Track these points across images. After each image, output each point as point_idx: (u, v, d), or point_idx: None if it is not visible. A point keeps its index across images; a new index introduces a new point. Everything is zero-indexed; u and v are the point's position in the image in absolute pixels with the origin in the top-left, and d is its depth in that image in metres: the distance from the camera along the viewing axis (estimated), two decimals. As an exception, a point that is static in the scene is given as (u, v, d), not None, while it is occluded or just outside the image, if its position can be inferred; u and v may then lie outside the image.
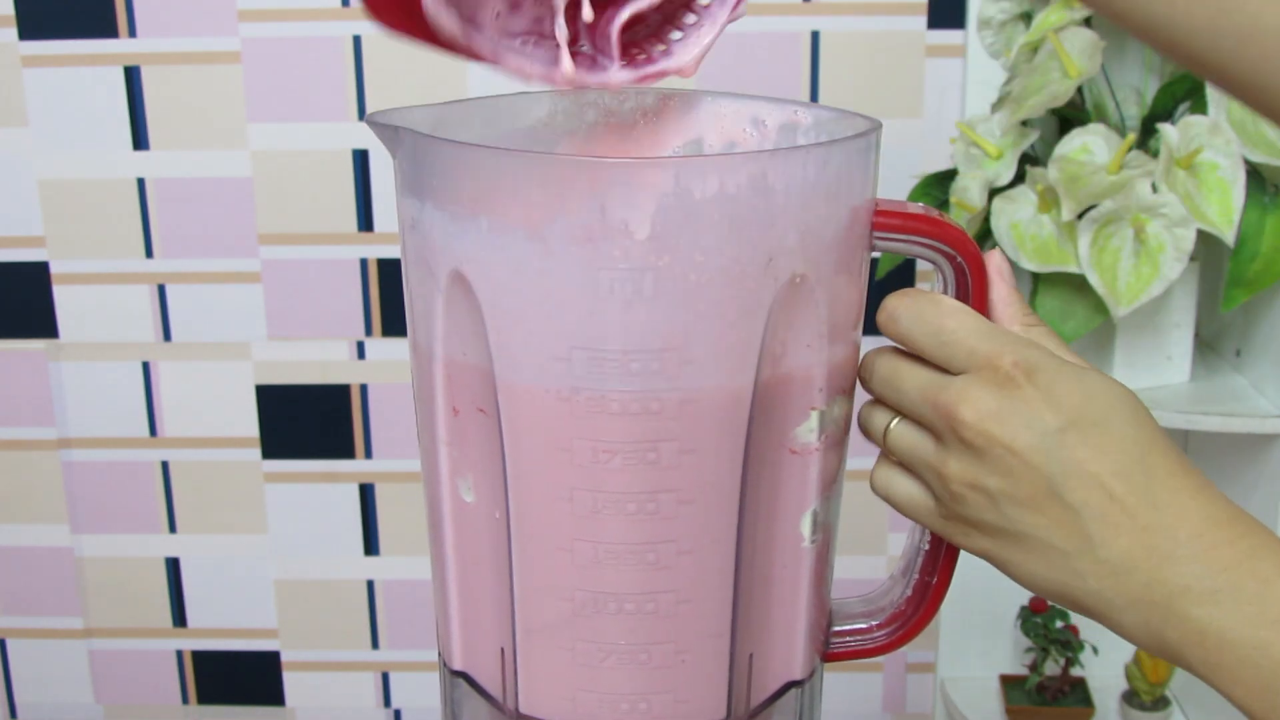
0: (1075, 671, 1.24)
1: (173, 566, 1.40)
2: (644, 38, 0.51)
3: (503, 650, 0.50)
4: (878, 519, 1.36)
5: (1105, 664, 1.27)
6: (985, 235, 1.04)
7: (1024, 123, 1.03)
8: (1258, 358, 1.07)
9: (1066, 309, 1.00)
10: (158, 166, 1.27)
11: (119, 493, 1.37)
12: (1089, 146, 0.98)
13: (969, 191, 1.03)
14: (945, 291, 0.49)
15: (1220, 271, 1.06)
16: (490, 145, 0.46)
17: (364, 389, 1.33)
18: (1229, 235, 0.95)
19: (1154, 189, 0.96)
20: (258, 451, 1.35)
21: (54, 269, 1.30)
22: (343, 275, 1.29)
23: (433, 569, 0.52)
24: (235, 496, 1.37)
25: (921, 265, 1.30)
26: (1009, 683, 1.25)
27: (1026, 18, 1.05)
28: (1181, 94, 1.01)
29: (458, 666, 0.52)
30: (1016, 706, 1.21)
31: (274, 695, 1.44)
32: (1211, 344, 1.16)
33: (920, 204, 0.48)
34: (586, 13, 0.46)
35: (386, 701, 1.44)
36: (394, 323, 1.31)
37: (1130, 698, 1.20)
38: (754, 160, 0.43)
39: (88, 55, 1.24)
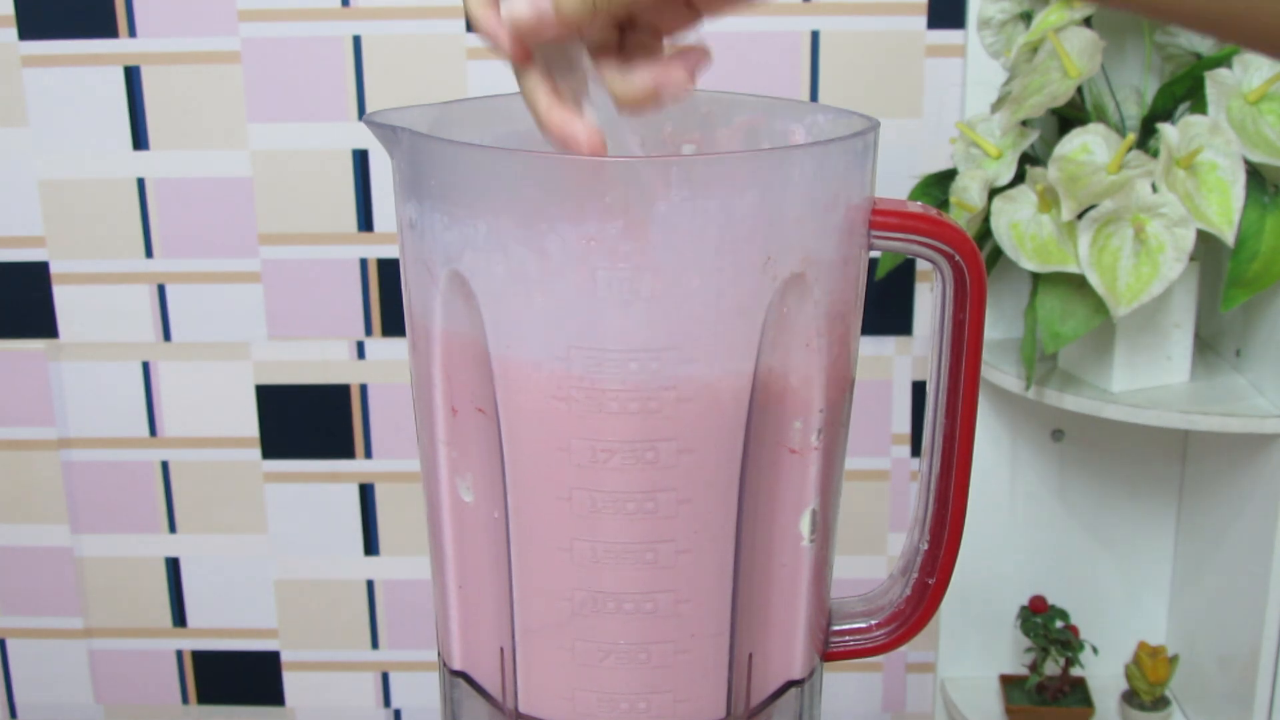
0: (1075, 671, 1.24)
1: (173, 566, 1.40)
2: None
3: (502, 650, 0.50)
4: (878, 519, 1.36)
5: (1105, 664, 1.27)
6: (985, 235, 1.04)
7: (1024, 123, 1.03)
8: (1258, 358, 1.07)
9: (1066, 309, 1.00)
10: (158, 166, 1.27)
11: (119, 493, 1.37)
12: (1089, 146, 0.98)
13: (969, 191, 1.03)
14: (944, 291, 0.49)
15: (1220, 271, 1.06)
16: (488, 145, 0.46)
17: (364, 389, 1.33)
18: (1229, 235, 0.95)
19: (1154, 189, 0.96)
20: (258, 451, 1.35)
21: (54, 269, 1.30)
22: (343, 275, 1.29)
23: (432, 569, 0.52)
24: (235, 496, 1.37)
25: (921, 265, 1.30)
26: (1009, 683, 1.25)
27: (1026, 18, 1.05)
28: (1181, 94, 1.01)
29: (457, 666, 0.52)
30: (1016, 706, 1.21)
31: (274, 695, 1.44)
32: (1211, 344, 1.16)
33: (919, 203, 0.48)
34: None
35: (386, 701, 1.44)
36: (394, 323, 1.31)
37: (1130, 698, 1.20)
38: (752, 159, 0.43)
39: (88, 55, 1.24)
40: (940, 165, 1.19)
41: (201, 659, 1.43)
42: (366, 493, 1.36)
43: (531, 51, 0.45)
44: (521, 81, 0.46)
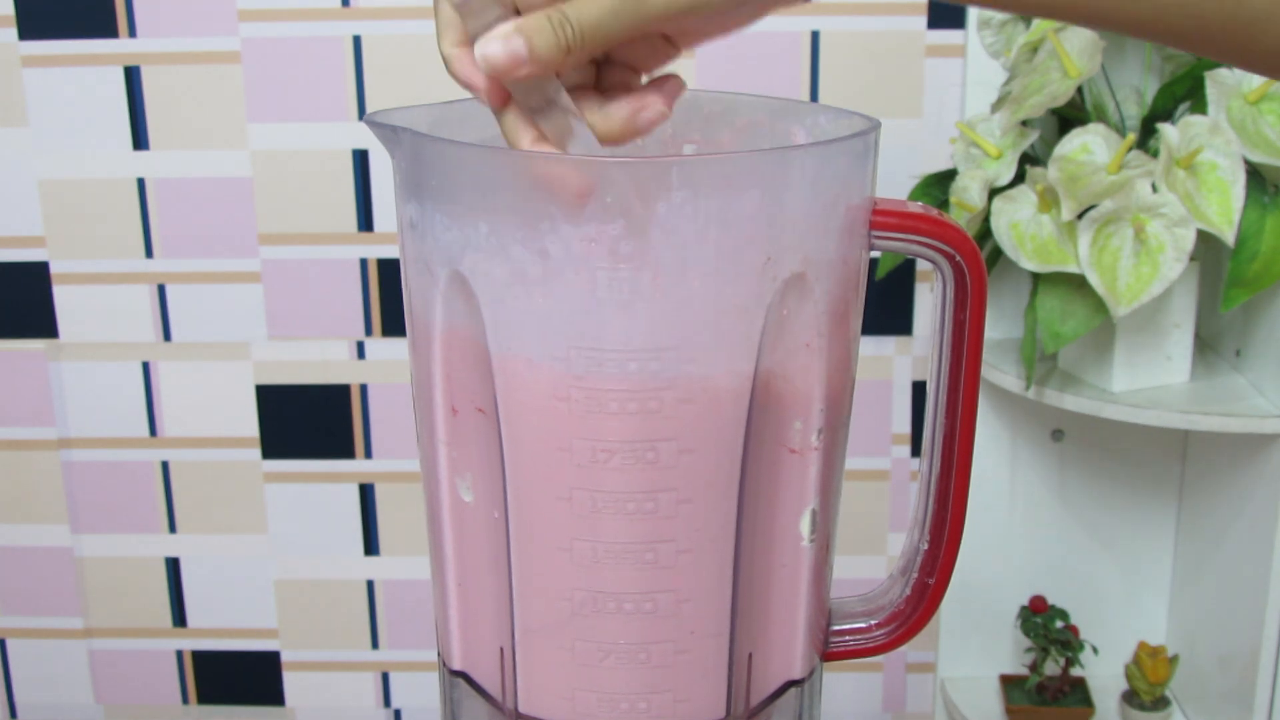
0: (1075, 671, 1.24)
1: (173, 566, 1.40)
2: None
3: (502, 650, 0.50)
4: (878, 519, 1.36)
5: (1105, 664, 1.27)
6: (985, 235, 1.04)
7: (1024, 123, 1.03)
8: (1258, 358, 1.07)
9: (1066, 309, 1.00)
10: (158, 166, 1.27)
11: (119, 493, 1.37)
12: (1089, 146, 0.98)
13: (969, 191, 1.03)
14: (945, 291, 0.49)
15: (1220, 271, 1.06)
16: (490, 145, 0.46)
17: (364, 389, 1.33)
18: (1229, 235, 0.95)
19: (1154, 189, 0.96)
20: (258, 451, 1.35)
21: (54, 269, 1.30)
22: (343, 275, 1.29)
23: (432, 569, 0.52)
24: (235, 496, 1.37)
25: (921, 265, 1.30)
26: (1009, 683, 1.25)
27: (1026, 18, 1.05)
28: (1181, 94, 1.01)
29: (457, 666, 0.52)
30: (1016, 706, 1.21)
31: (274, 695, 1.44)
32: (1211, 344, 1.16)
33: (919, 203, 0.48)
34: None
35: (386, 701, 1.44)
36: (394, 323, 1.31)
37: (1130, 698, 1.20)
38: (753, 159, 0.43)
39: (88, 55, 1.24)
40: (940, 165, 1.19)
41: (201, 659, 1.43)
42: (366, 493, 1.36)
43: (509, 93, 0.45)
44: (502, 124, 0.45)
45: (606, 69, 0.47)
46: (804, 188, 0.44)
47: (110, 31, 1.23)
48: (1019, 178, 1.03)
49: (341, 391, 1.33)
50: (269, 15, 1.23)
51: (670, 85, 0.47)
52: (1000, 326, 1.20)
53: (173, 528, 1.38)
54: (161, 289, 1.31)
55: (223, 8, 1.23)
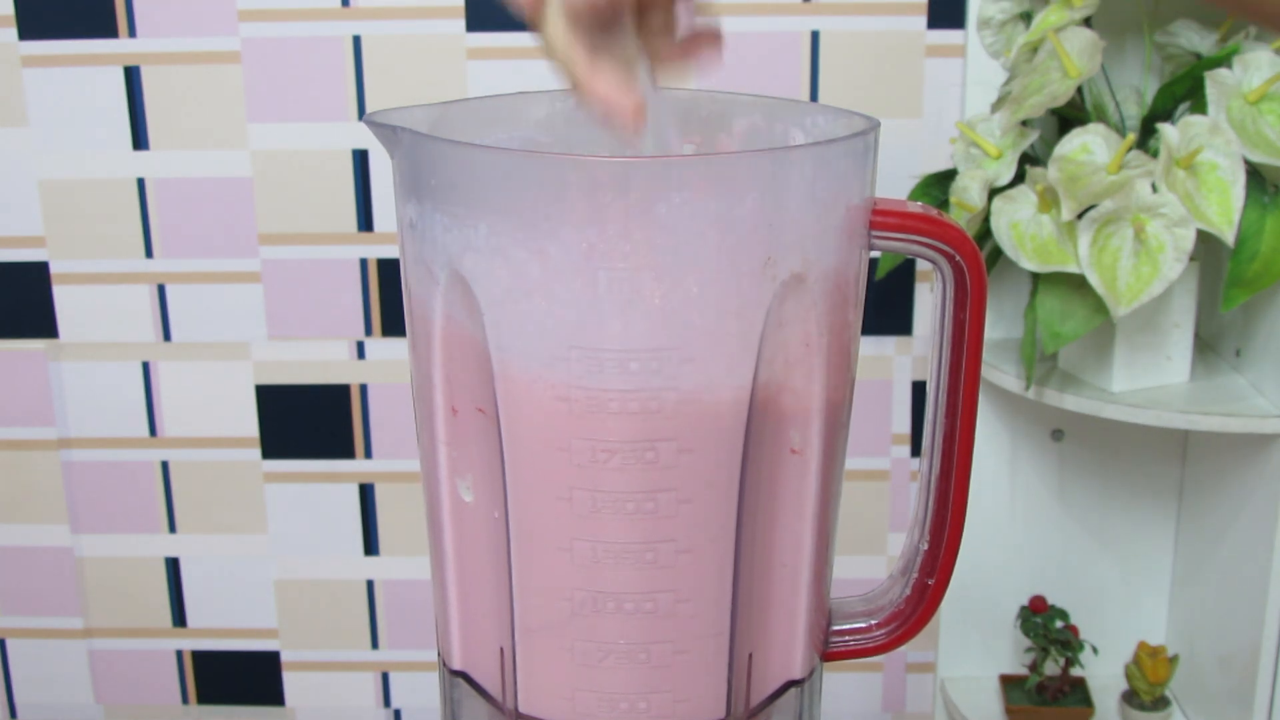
0: (1075, 671, 1.24)
1: (173, 566, 1.40)
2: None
3: (502, 650, 0.50)
4: (878, 519, 1.36)
5: (1105, 664, 1.27)
6: (985, 235, 1.04)
7: (1024, 123, 1.03)
8: (1258, 358, 1.07)
9: (1066, 309, 1.00)
10: (158, 166, 1.27)
11: (119, 493, 1.37)
12: (1089, 146, 0.98)
13: (969, 191, 1.03)
14: (944, 290, 0.49)
15: (1220, 271, 1.06)
16: (489, 145, 0.46)
17: (364, 389, 1.33)
18: (1229, 235, 0.95)
19: (1154, 189, 0.96)
20: (258, 451, 1.35)
21: (54, 269, 1.30)
22: (343, 275, 1.29)
23: (432, 569, 0.52)
24: (235, 496, 1.37)
25: (921, 265, 1.30)
26: (1009, 683, 1.25)
27: (1026, 17, 1.05)
28: (1181, 94, 1.01)
29: (457, 666, 0.52)
30: (1016, 706, 1.21)
31: (274, 695, 1.44)
32: (1211, 344, 1.16)
33: (919, 203, 0.48)
34: None
35: (386, 701, 1.44)
36: (394, 323, 1.31)
37: (1130, 698, 1.20)
38: (752, 159, 0.43)
39: (88, 55, 1.24)
40: (940, 165, 1.19)
41: (201, 659, 1.43)
42: (366, 493, 1.37)
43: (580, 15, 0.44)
44: (549, 37, 0.45)
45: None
46: (803, 188, 0.44)
47: (110, 31, 1.23)
48: (1019, 178, 1.03)
49: (341, 391, 1.33)
50: (269, 15, 1.23)
51: (706, 40, 0.47)
52: (1000, 326, 1.20)
53: (173, 528, 1.38)
54: (161, 289, 1.31)
55: (223, 8, 1.23)
